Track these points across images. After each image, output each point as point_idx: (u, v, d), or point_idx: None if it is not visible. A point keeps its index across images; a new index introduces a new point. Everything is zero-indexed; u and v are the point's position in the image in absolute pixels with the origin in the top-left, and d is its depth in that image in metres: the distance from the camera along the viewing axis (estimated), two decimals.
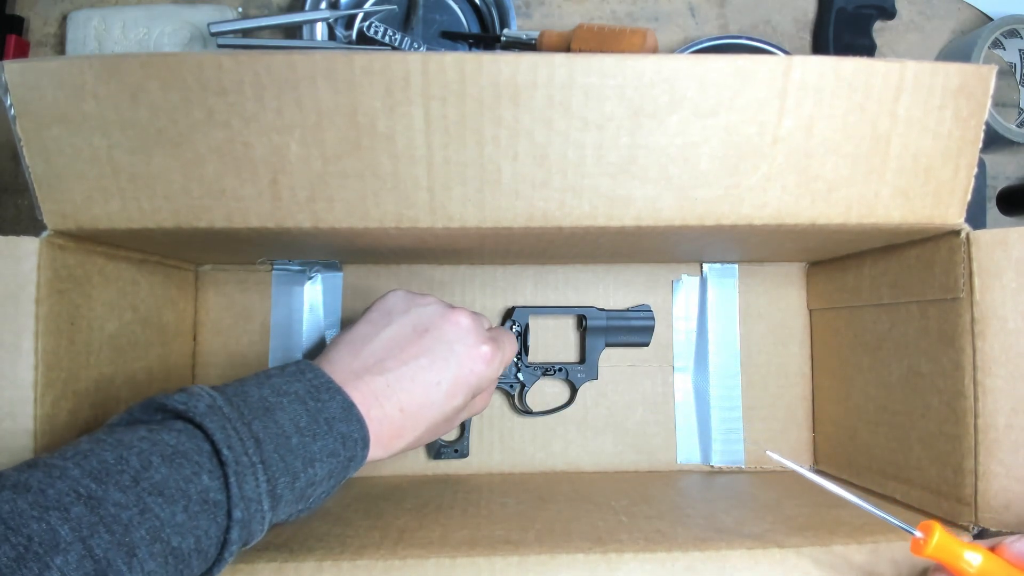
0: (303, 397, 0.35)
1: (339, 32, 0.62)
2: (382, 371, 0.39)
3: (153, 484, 0.29)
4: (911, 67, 0.38)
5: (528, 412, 0.57)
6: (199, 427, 0.31)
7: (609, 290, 0.59)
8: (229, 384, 0.35)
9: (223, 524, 0.31)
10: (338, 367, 0.39)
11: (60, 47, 0.62)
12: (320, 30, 0.61)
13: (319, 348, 0.57)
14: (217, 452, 0.31)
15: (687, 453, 0.58)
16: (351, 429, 0.36)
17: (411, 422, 0.40)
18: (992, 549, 0.33)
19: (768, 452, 0.39)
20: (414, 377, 0.40)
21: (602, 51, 0.55)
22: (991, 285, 0.39)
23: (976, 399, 0.40)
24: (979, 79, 0.39)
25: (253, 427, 0.33)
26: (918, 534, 0.33)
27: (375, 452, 0.38)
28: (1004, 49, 0.66)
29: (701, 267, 0.59)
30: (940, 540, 0.32)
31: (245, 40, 0.60)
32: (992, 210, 0.65)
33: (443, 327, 0.42)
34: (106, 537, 0.26)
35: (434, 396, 0.40)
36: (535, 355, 0.58)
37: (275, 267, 0.57)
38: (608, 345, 0.57)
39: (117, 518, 0.27)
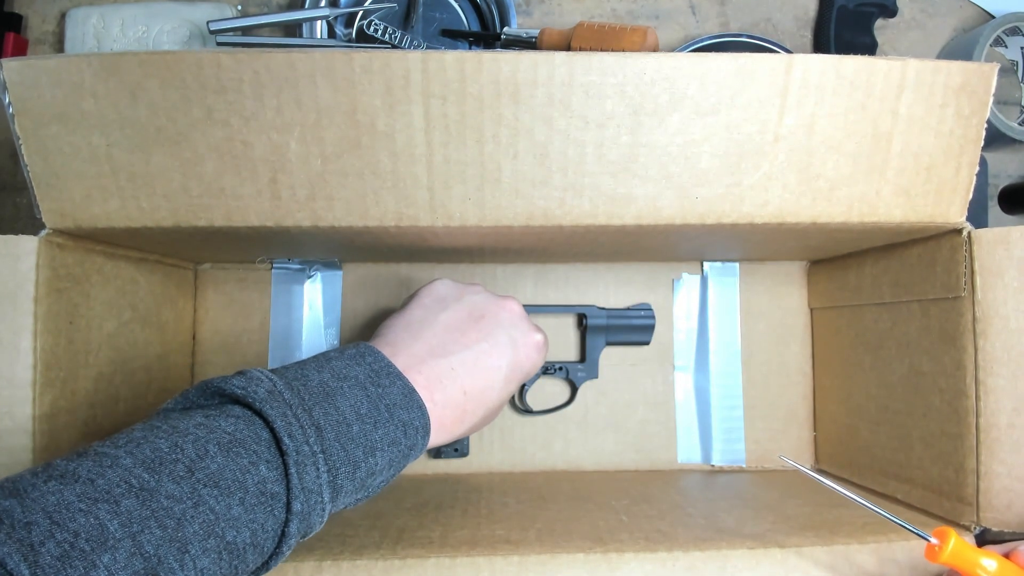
0: (363, 382, 0.34)
1: (339, 30, 0.62)
2: (445, 354, 0.39)
3: (208, 474, 0.27)
4: (912, 65, 0.38)
5: (528, 411, 0.57)
6: (258, 413, 0.30)
7: (609, 289, 0.59)
8: (288, 367, 0.34)
9: (281, 517, 0.29)
10: (399, 350, 0.38)
11: (59, 45, 0.61)
12: (320, 28, 0.61)
13: (318, 347, 0.56)
14: (277, 441, 0.29)
15: (688, 452, 0.58)
16: (412, 416, 0.35)
17: (473, 405, 0.39)
18: (1007, 555, 0.33)
19: (781, 456, 0.39)
20: (476, 361, 0.40)
21: (602, 49, 0.55)
22: (993, 284, 0.39)
23: (978, 398, 0.39)
24: (981, 77, 0.38)
25: (314, 414, 0.31)
26: (933, 540, 0.33)
27: (438, 437, 0.38)
28: (1006, 47, 0.65)
29: (702, 266, 0.59)
30: (956, 546, 0.32)
31: (244, 38, 0.60)
32: (994, 208, 0.65)
33: (498, 313, 0.42)
34: (157, 532, 0.25)
35: (495, 380, 0.40)
36: None
37: (274, 266, 0.57)
38: (609, 344, 0.57)
39: (170, 511, 0.25)
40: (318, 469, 0.30)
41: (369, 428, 0.33)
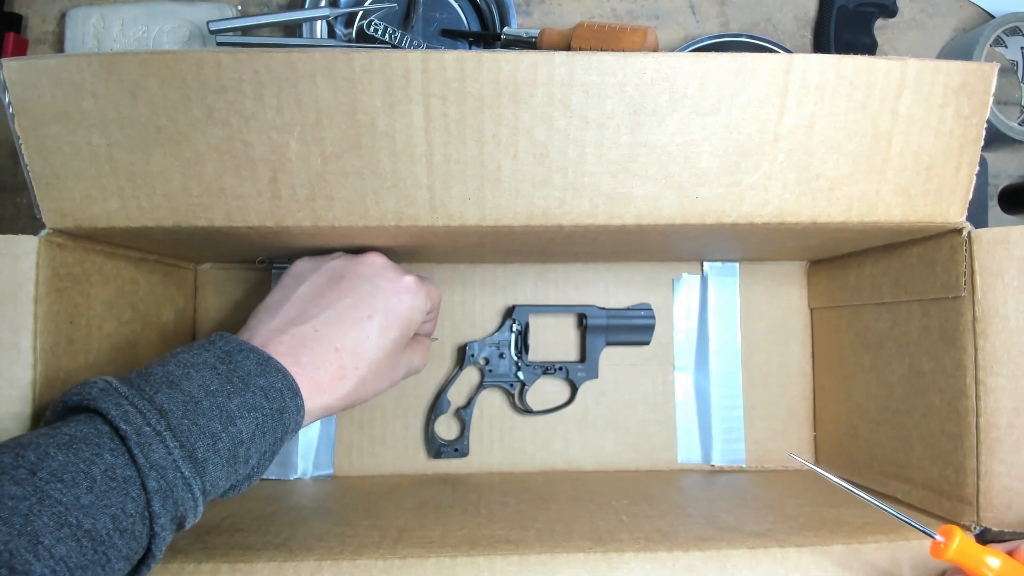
0: (212, 364, 0.34)
1: (339, 30, 0.62)
2: (306, 319, 0.39)
3: (51, 472, 0.28)
4: (912, 65, 0.38)
5: (528, 411, 0.57)
6: (95, 411, 0.31)
7: (610, 289, 0.59)
8: (135, 371, 0.34)
9: (140, 498, 0.30)
10: (257, 331, 0.38)
11: (59, 45, 0.61)
12: (320, 28, 0.61)
13: None
14: (116, 429, 0.30)
15: (688, 452, 0.58)
16: (271, 380, 0.35)
17: (351, 359, 0.39)
18: (1010, 553, 0.33)
19: (791, 455, 0.39)
20: (342, 316, 0.40)
21: (602, 49, 0.55)
22: (993, 284, 0.39)
23: (978, 398, 0.39)
24: (981, 77, 0.38)
25: (156, 400, 0.32)
26: (939, 538, 0.33)
27: (319, 399, 0.38)
28: (1006, 47, 0.65)
29: (702, 266, 0.59)
30: (961, 544, 0.32)
31: (244, 38, 0.60)
32: (994, 208, 0.65)
33: (358, 269, 0.42)
34: (4, 529, 0.26)
35: (368, 330, 0.40)
36: (535, 354, 0.58)
37: (274, 266, 0.57)
38: (609, 344, 0.57)
39: (15, 510, 0.26)
40: (167, 445, 0.30)
41: (222, 400, 0.33)
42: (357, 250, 0.45)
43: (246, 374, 0.35)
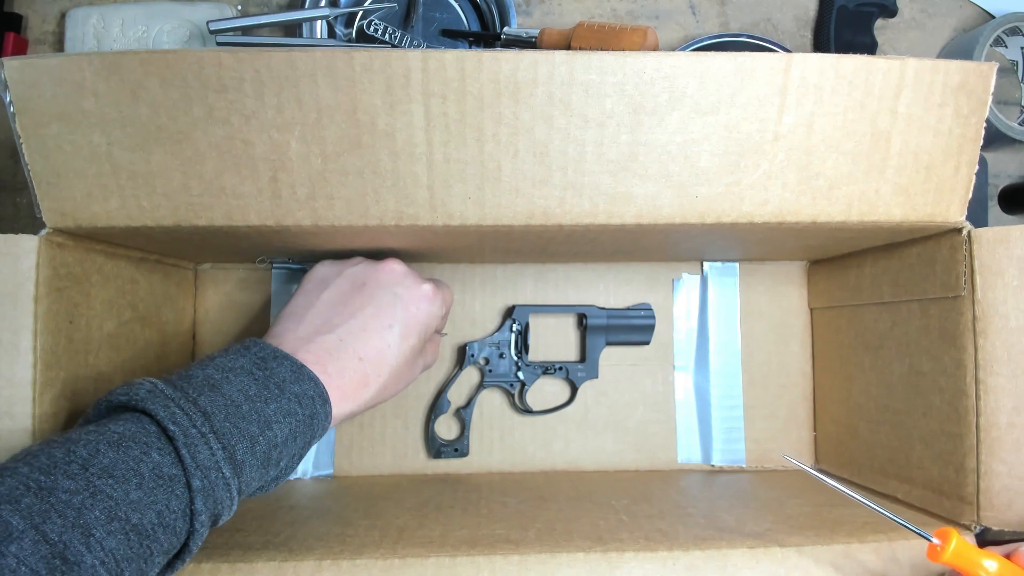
0: (249, 369, 0.36)
1: (339, 30, 0.62)
2: (331, 329, 0.40)
3: (102, 468, 0.29)
4: (912, 65, 0.38)
5: (528, 411, 0.57)
6: (143, 411, 0.32)
7: (609, 288, 0.59)
8: (173, 372, 0.36)
9: (184, 496, 0.31)
10: (285, 338, 0.40)
11: (59, 45, 0.62)
12: (320, 28, 0.61)
13: None
14: (164, 429, 0.31)
15: (688, 452, 0.58)
16: (305, 388, 0.37)
17: (373, 368, 0.41)
18: (1008, 556, 0.33)
19: (784, 456, 0.39)
20: (365, 326, 0.41)
21: (602, 49, 0.55)
22: (993, 283, 0.39)
23: (978, 398, 0.39)
24: (980, 77, 0.39)
25: (200, 402, 0.33)
26: (935, 540, 0.33)
27: (344, 406, 0.39)
28: (1006, 47, 0.65)
29: (702, 265, 0.59)
30: (957, 547, 0.32)
31: (244, 38, 0.60)
32: (994, 208, 0.65)
33: (378, 276, 0.44)
34: (59, 521, 0.27)
35: (389, 339, 0.42)
36: (535, 354, 0.58)
37: (274, 266, 0.57)
38: (609, 344, 0.57)
39: (69, 503, 0.27)
40: (211, 447, 0.32)
41: (260, 405, 0.35)
42: (375, 254, 0.46)
43: (281, 381, 0.36)
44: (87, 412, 0.34)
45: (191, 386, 0.34)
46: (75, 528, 0.27)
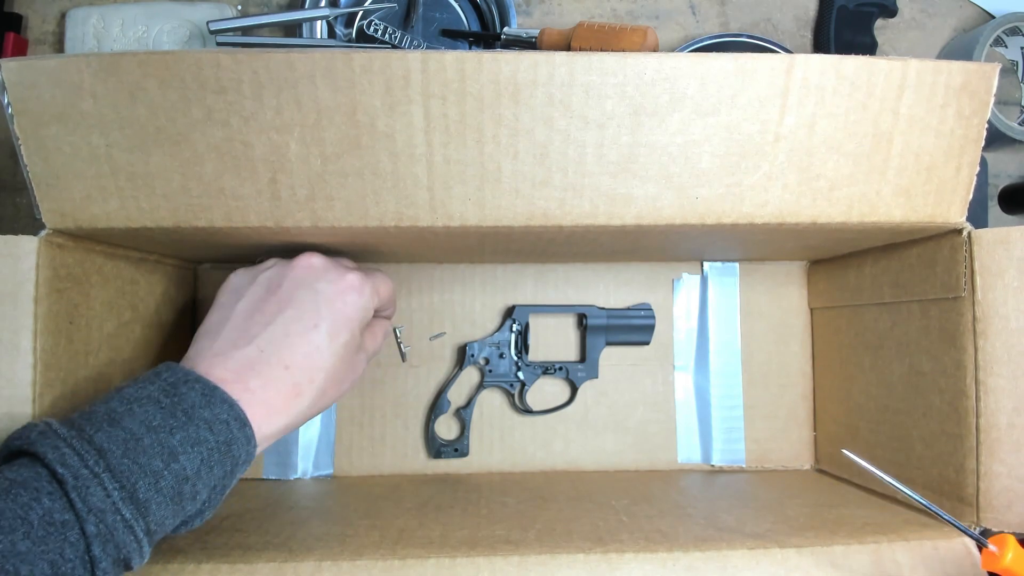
0: (156, 397, 0.33)
1: (339, 30, 0.62)
2: (249, 340, 0.37)
3: None
4: (913, 65, 0.38)
5: (528, 411, 0.57)
6: (33, 455, 0.30)
7: (609, 289, 0.59)
8: (80, 410, 0.33)
9: (79, 543, 0.29)
10: (200, 358, 0.37)
11: (59, 45, 0.61)
12: (319, 28, 0.61)
13: None
14: (53, 473, 0.29)
15: (688, 452, 0.58)
16: (217, 412, 0.34)
17: (303, 375, 0.38)
18: None
19: (844, 451, 0.38)
20: (287, 331, 0.38)
21: (602, 49, 0.55)
22: (993, 284, 0.39)
23: (978, 398, 0.39)
24: (981, 77, 0.38)
25: (96, 440, 0.31)
26: (992, 548, 0.32)
27: (275, 421, 0.37)
28: (1006, 47, 0.65)
29: (702, 266, 0.59)
30: (1016, 554, 0.31)
31: (244, 38, 0.60)
32: (994, 209, 0.65)
33: (295, 275, 0.40)
34: None
35: (317, 340, 0.39)
36: (535, 354, 0.58)
37: None
38: (609, 344, 0.57)
39: None
40: (105, 488, 0.30)
41: (164, 436, 0.32)
42: (293, 253, 0.43)
43: (190, 407, 0.33)
44: None
45: (89, 423, 0.32)
46: None
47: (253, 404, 0.36)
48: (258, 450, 0.36)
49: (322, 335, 0.39)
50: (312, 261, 0.41)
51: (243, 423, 0.35)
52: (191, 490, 0.33)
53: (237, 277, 0.42)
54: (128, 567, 0.31)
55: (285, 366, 0.37)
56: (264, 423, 0.36)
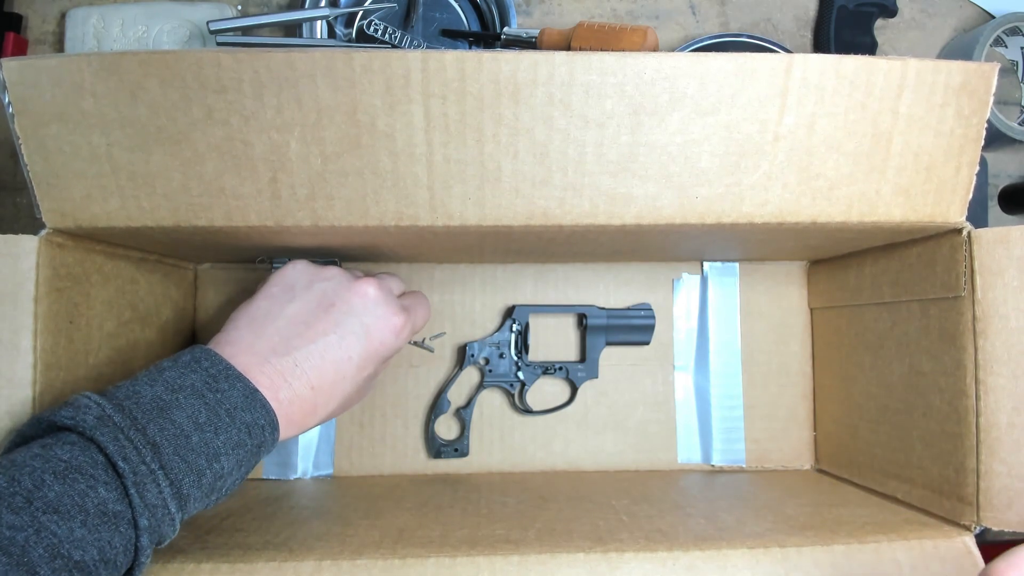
0: (200, 390, 0.34)
1: (339, 30, 0.62)
2: (289, 351, 0.38)
3: (47, 502, 0.28)
4: (913, 65, 0.38)
5: (528, 411, 0.57)
6: (91, 440, 0.31)
7: (609, 289, 0.59)
8: (121, 385, 0.34)
9: (129, 533, 0.30)
10: (240, 349, 0.38)
11: (59, 45, 0.61)
12: (320, 28, 0.61)
13: None
14: (112, 464, 0.30)
15: (688, 452, 0.58)
16: (256, 417, 0.35)
17: (323, 398, 0.39)
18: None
19: None
20: (323, 355, 0.39)
21: (602, 49, 0.55)
22: (993, 283, 0.39)
23: (978, 398, 0.39)
24: (981, 77, 0.38)
25: (148, 432, 0.32)
26: None
27: (287, 431, 0.38)
28: (1006, 47, 0.65)
29: (702, 266, 0.59)
30: None
31: (244, 38, 0.60)
32: (994, 208, 0.65)
33: (350, 300, 0.41)
34: (3, 560, 0.26)
35: (345, 370, 0.40)
36: (535, 354, 0.58)
37: (274, 265, 0.57)
38: (608, 344, 0.57)
39: (13, 540, 0.27)
40: (159, 485, 0.31)
41: (210, 436, 0.34)
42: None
43: (232, 408, 0.35)
44: (21, 427, 0.33)
45: (139, 409, 0.32)
46: (20, 567, 0.27)
47: (279, 414, 0.37)
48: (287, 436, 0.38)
49: (352, 367, 0.40)
50: (369, 291, 0.42)
51: (274, 428, 0.37)
52: (220, 485, 0.35)
53: (294, 272, 0.43)
54: (160, 546, 0.33)
55: (312, 387, 0.39)
56: (282, 431, 0.38)
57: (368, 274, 0.45)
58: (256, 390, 0.36)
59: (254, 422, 0.35)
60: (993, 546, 0.35)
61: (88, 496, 0.29)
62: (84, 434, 0.31)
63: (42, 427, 0.32)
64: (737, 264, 0.59)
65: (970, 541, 0.39)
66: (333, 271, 0.43)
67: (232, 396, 0.35)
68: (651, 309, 0.57)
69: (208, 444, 0.34)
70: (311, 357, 0.39)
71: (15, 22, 0.61)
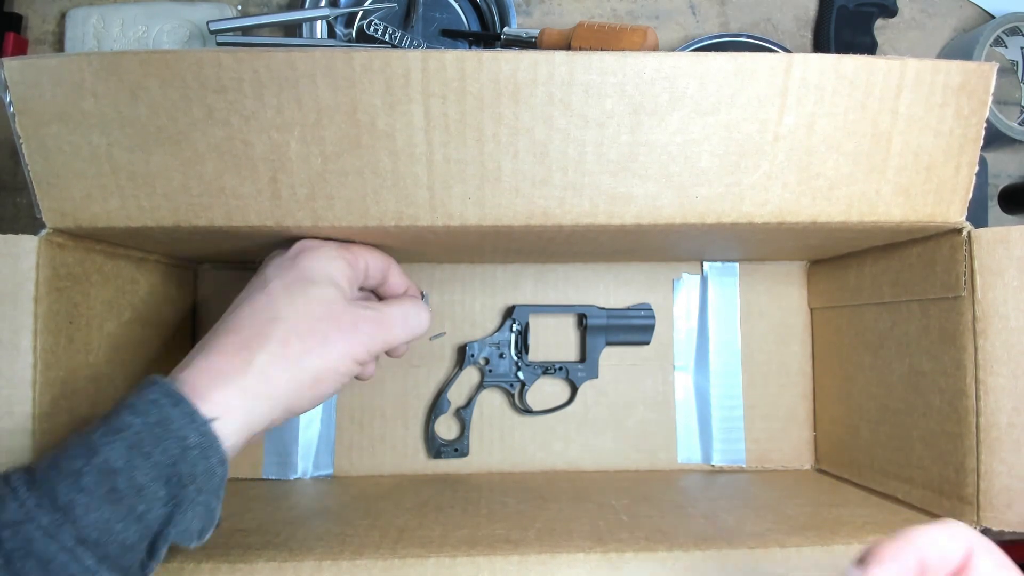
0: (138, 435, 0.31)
1: (339, 30, 0.62)
2: (248, 371, 0.35)
3: None
4: (912, 65, 0.38)
5: (528, 411, 0.57)
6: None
7: (609, 289, 0.59)
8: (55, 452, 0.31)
9: None
10: (193, 369, 0.35)
11: (59, 45, 0.62)
12: (320, 28, 0.61)
13: None
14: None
15: (688, 452, 0.58)
16: (143, 395, 0.32)
17: (284, 411, 0.36)
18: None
19: None
20: (301, 378, 0.37)
21: (602, 49, 0.55)
22: (993, 283, 0.39)
23: (978, 398, 0.39)
24: (980, 77, 0.38)
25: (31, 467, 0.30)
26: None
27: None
28: (1006, 47, 0.65)
29: (702, 266, 0.59)
30: None
31: (244, 38, 0.60)
32: (994, 208, 0.65)
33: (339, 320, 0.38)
34: None
35: (319, 391, 0.38)
36: (535, 354, 0.58)
37: None
38: (608, 344, 0.57)
39: None
40: (19, 498, 0.29)
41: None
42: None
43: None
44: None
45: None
46: None
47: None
48: (227, 422, 0.33)
49: (328, 387, 0.38)
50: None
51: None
52: (127, 483, 0.30)
53: (272, 269, 0.40)
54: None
55: (286, 409, 0.36)
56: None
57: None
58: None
59: (139, 399, 0.32)
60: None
61: None
62: None
63: None
64: (737, 264, 0.59)
65: None
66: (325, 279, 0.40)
67: (128, 395, 0.33)
68: (651, 309, 0.57)
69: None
70: (274, 378, 0.36)
71: (15, 22, 0.61)
